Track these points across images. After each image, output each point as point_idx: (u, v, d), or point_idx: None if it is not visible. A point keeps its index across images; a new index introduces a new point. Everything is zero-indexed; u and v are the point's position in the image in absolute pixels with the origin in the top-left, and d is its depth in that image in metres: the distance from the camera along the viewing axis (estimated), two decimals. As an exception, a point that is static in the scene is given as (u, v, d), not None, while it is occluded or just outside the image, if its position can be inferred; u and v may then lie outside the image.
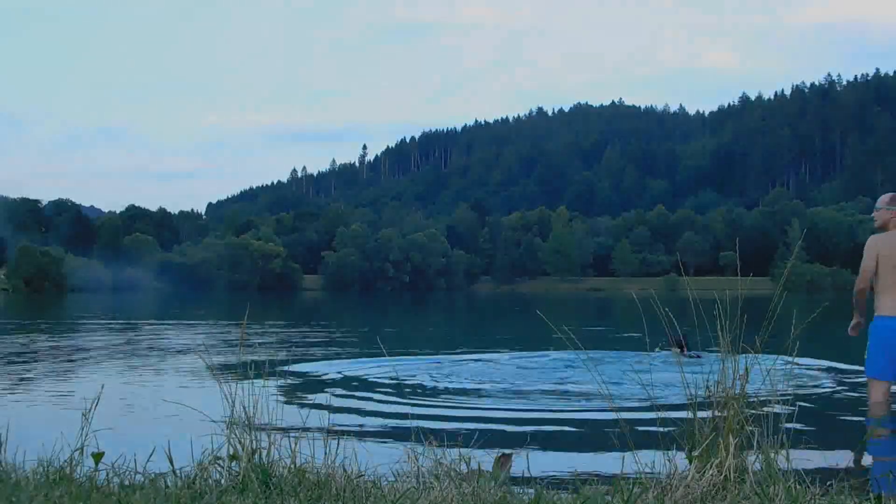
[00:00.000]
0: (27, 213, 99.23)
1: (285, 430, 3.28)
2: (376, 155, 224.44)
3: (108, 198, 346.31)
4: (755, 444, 3.09)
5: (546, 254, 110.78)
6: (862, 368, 6.68)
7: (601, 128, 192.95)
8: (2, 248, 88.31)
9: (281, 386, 7.46)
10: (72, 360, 10.59)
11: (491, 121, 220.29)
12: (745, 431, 3.12)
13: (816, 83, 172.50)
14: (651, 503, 2.81)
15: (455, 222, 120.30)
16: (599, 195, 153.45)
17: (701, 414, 3.22)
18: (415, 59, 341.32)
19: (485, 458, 3.31)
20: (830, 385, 8.11)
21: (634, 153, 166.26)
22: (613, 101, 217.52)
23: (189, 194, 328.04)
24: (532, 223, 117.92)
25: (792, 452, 3.12)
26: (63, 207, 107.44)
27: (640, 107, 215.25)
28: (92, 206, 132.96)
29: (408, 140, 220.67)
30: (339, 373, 9.17)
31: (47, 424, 5.60)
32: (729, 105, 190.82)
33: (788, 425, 3.20)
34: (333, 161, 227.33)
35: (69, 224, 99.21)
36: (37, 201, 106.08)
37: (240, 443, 3.14)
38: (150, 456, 3.22)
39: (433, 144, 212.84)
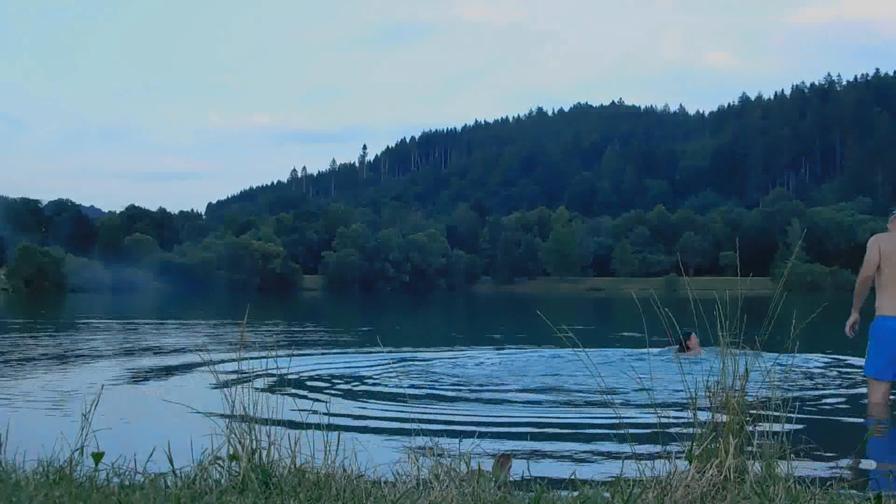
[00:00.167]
0: (27, 213, 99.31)
1: (285, 430, 3.28)
2: (376, 155, 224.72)
3: (108, 198, 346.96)
4: (755, 444, 3.09)
5: (546, 254, 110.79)
6: (861, 367, 6.69)
7: (601, 128, 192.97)
8: (2, 248, 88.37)
9: (281, 385, 7.46)
10: (72, 361, 10.59)
11: (491, 121, 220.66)
12: (745, 431, 3.12)
13: (816, 83, 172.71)
14: (651, 503, 2.81)
15: (455, 222, 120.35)
16: (599, 195, 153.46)
17: (701, 414, 3.22)
18: (415, 59, 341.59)
19: (485, 459, 3.32)
20: (830, 384, 8.11)
21: (634, 153, 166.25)
22: (613, 101, 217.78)
23: (189, 194, 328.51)
24: (532, 223, 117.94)
25: (792, 452, 3.12)
26: (63, 207, 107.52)
27: (640, 107, 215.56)
28: (92, 206, 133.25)
29: (408, 140, 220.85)
30: (339, 372, 9.17)
31: (47, 424, 5.60)
32: (729, 105, 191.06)
33: (788, 425, 3.20)
34: (333, 161, 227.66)
35: (69, 224, 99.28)
36: (37, 201, 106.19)
37: (240, 443, 3.14)
38: (150, 456, 3.22)
39: (433, 144, 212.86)
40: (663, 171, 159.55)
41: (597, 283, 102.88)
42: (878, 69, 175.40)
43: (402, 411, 6.24)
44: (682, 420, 3.31)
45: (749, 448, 3.08)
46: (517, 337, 16.68)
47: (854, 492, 2.99)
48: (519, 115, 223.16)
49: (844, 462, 4.81)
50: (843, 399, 7.17)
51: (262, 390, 3.97)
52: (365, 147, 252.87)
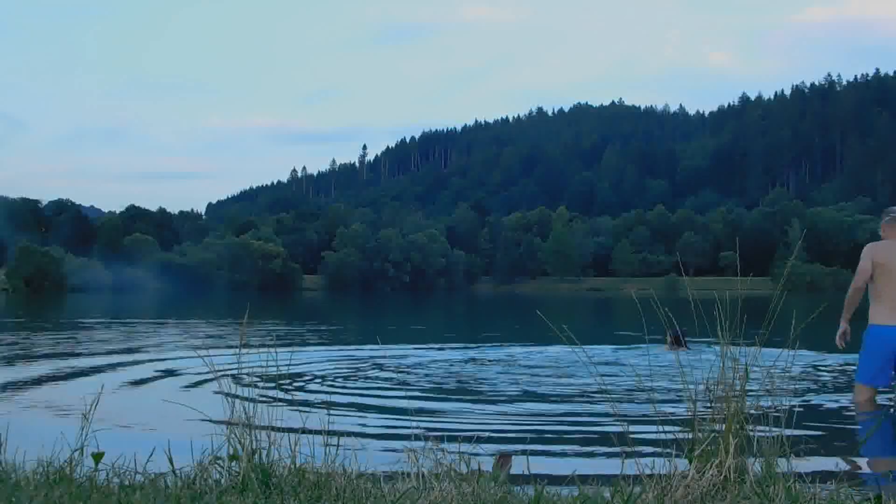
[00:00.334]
0: (27, 213, 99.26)
1: (285, 430, 3.28)
2: (376, 155, 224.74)
3: (108, 198, 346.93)
4: (755, 444, 3.09)
5: (546, 254, 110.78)
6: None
7: (601, 128, 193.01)
8: (2, 248, 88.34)
9: (280, 385, 7.46)
10: (71, 361, 10.59)
11: (491, 121, 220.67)
12: (745, 431, 3.12)
13: (816, 83, 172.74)
14: (651, 503, 2.81)
15: (455, 222, 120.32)
16: (599, 195, 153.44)
17: (701, 414, 3.22)
18: (415, 59, 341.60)
19: (485, 458, 3.32)
20: (830, 384, 8.11)
21: (634, 153, 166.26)
22: (613, 101, 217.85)
23: (189, 194, 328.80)
24: (532, 223, 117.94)
25: (792, 452, 3.11)
26: (63, 207, 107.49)
27: (640, 107, 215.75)
28: (92, 206, 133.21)
29: (408, 140, 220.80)
30: (339, 371, 9.17)
31: (47, 424, 5.60)
32: (729, 105, 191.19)
33: (788, 427, 3.19)
34: (333, 161, 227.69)
35: (69, 224, 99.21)
36: (37, 201, 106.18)
37: (240, 443, 3.14)
38: (150, 456, 3.22)
39: (433, 144, 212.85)
40: (663, 171, 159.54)
41: (597, 284, 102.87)
42: (878, 69, 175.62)
43: (402, 411, 6.24)
44: (682, 420, 3.31)
45: (749, 448, 3.08)
46: (516, 336, 16.68)
47: (854, 491, 2.99)
48: (519, 115, 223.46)
49: (845, 462, 4.81)
50: (843, 399, 7.17)
51: (263, 390, 3.97)
52: (365, 147, 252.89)
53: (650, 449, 3.32)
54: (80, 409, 3.28)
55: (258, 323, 20.88)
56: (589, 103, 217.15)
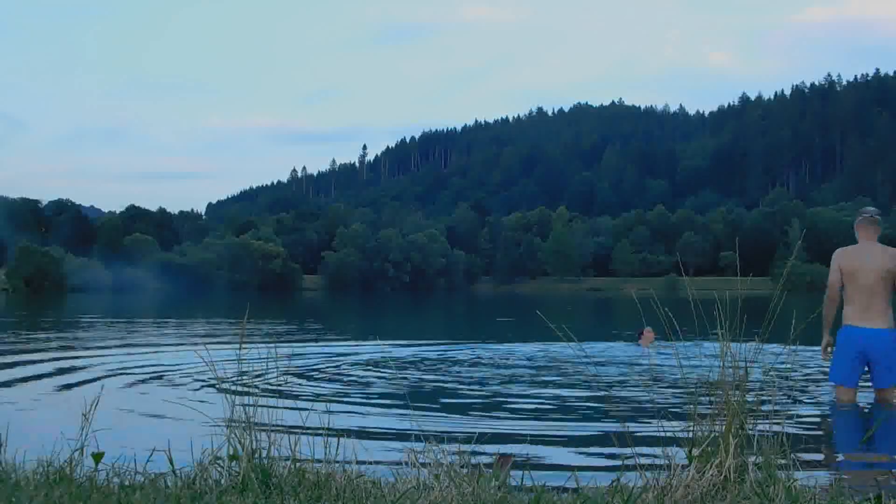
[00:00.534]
0: (27, 213, 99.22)
1: (285, 431, 3.28)
2: (376, 155, 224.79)
3: (108, 198, 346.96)
4: (755, 443, 3.09)
5: (546, 254, 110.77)
6: None
7: (601, 128, 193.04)
8: (2, 248, 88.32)
9: (280, 385, 7.46)
10: (71, 360, 10.59)
11: (491, 121, 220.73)
12: (745, 431, 3.12)
13: (816, 83, 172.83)
14: (651, 503, 2.81)
15: (455, 222, 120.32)
16: (599, 195, 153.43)
17: (701, 414, 3.22)
18: (415, 59, 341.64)
19: (485, 459, 3.32)
20: (830, 384, 8.10)
21: (634, 153, 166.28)
22: (613, 101, 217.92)
23: (189, 194, 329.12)
24: (532, 223, 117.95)
25: (792, 452, 3.11)
26: (63, 207, 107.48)
27: (640, 107, 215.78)
28: (92, 206, 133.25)
29: (408, 140, 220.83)
30: (339, 370, 9.17)
31: (47, 424, 5.59)
32: (729, 105, 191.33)
33: (789, 425, 3.19)
34: (333, 161, 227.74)
35: (69, 224, 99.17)
36: (37, 201, 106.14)
37: (240, 443, 3.14)
38: (150, 456, 3.22)
39: (433, 144, 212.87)
40: (663, 171, 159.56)
41: (597, 284, 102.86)
42: (878, 69, 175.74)
43: (402, 411, 6.24)
44: (682, 420, 3.30)
45: (749, 448, 3.08)
46: (516, 336, 16.67)
47: (854, 491, 2.99)
48: (519, 115, 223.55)
49: (845, 461, 4.81)
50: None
51: (263, 389, 3.97)
52: (365, 147, 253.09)
53: (650, 449, 3.32)
54: (80, 409, 3.28)
55: (258, 322, 20.88)
56: (589, 103, 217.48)
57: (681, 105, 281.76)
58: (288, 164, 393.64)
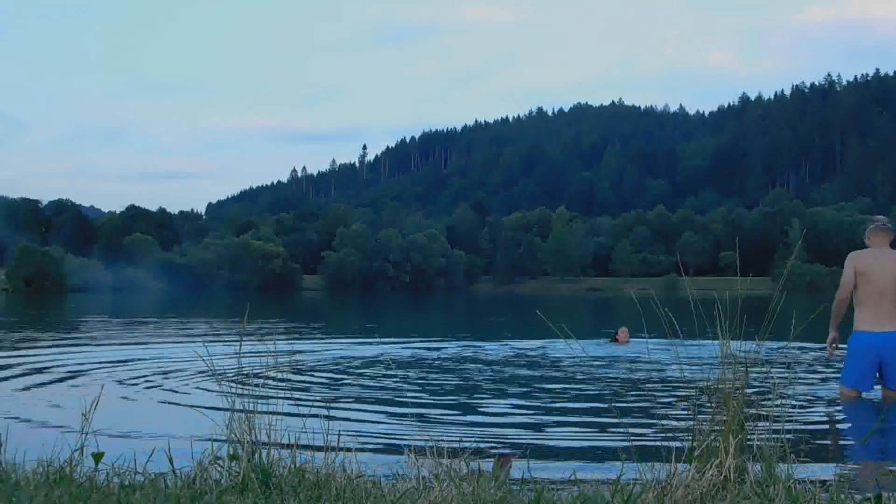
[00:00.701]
0: (27, 213, 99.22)
1: (285, 430, 3.28)
2: (376, 155, 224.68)
3: (108, 198, 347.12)
4: (755, 444, 3.09)
5: (546, 254, 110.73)
6: None
7: (601, 128, 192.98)
8: (2, 248, 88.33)
9: (280, 384, 7.46)
10: (71, 360, 10.59)
11: (491, 121, 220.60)
12: (745, 431, 3.12)
13: (816, 83, 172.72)
14: (651, 503, 2.81)
15: (455, 222, 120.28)
16: (599, 195, 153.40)
17: (701, 414, 3.22)
18: (415, 59, 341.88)
19: (485, 459, 3.31)
20: (830, 384, 8.10)
21: (634, 153, 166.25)
22: (613, 101, 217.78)
23: (189, 194, 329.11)
24: (532, 223, 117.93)
25: (792, 452, 3.11)
26: (63, 207, 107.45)
27: (640, 107, 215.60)
28: (92, 206, 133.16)
29: (408, 140, 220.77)
30: (338, 370, 9.18)
31: (47, 424, 5.60)
32: (729, 105, 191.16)
33: (789, 424, 3.19)
34: (333, 161, 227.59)
35: (69, 224, 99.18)
36: (37, 201, 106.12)
37: (240, 443, 3.14)
38: (150, 456, 3.22)
39: (433, 144, 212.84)
40: (663, 171, 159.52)
41: (597, 284, 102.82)
42: (878, 69, 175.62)
43: (402, 410, 6.24)
44: (682, 420, 3.30)
45: (749, 448, 3.08)
46: (518, 335, 16.68)
47: (854, 491, 2.99)
48: (519, 115, 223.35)
49: (845, 461, 4.81)
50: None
51: (263, 389, 3.97)
52: (365, 147, 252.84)
53: (650, 449, 3.32)
54: (80, 409, 3.28)
55: (258, 322, 20.89)
56: (589, 103, 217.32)
57: (681, 105, 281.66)
58: (288, 164, 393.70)
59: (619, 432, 4.99)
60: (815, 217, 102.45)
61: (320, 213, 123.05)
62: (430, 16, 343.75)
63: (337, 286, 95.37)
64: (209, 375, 7.28)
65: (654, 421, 5.53)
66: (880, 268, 6.62)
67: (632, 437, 3.19)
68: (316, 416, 3.68)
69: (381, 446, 4.93)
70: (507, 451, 4.08)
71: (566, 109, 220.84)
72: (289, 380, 8.20)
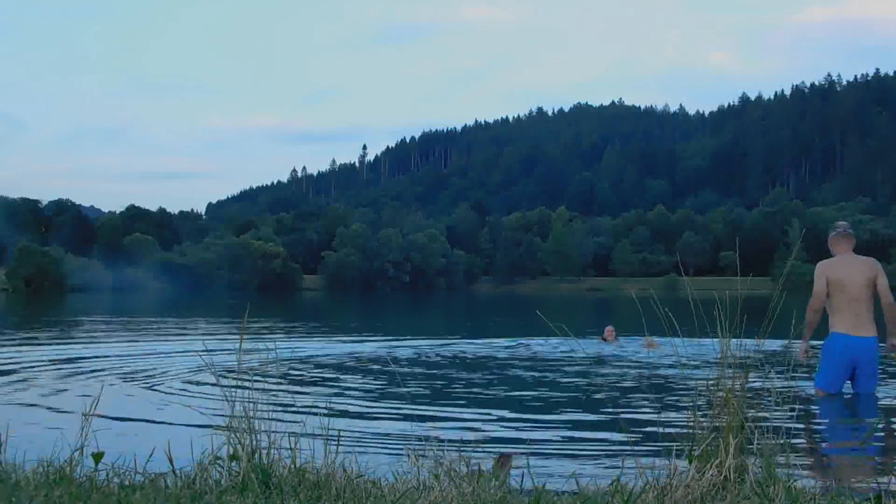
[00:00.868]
0: (27, 213, 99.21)
1: (285, 431, 3.28)
2: (376, 155, 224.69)
3: (108, 198, 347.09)
4: (755, 444, 3.09)
5: (546, 254, 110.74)
6: None
7: (601, 128, 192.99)
8: (2, 248, 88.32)
9: (280, 385, 7.46)
10: (71, 360, 10.59)
11: (491, 121, 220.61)
12: (745, 431, 3.12)
13: (816, 83, 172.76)
14: (651, 503, 2.81)
15: (455, 222, 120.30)
16: (599, 195, 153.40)
17: (701, 413, 3.22)
18: (415, 59, 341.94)
19: (485, 459, 3.31)
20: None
21: (634, 153, 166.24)
22: (613, 101, 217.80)
23: (189, 194, 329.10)
24: (532, 223, 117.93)
25: (792, 452, 3.11)
26: (63, 207, 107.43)
27: (640, 107, 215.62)
28: (92, 206, 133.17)
29: (408, 140, 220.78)
30: (338, 369, 9.17)
31: (47, 424, 5.59)
32: (729, 105, 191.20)
33: (789, 425, 3.19)
34: (333, 161, 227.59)
35: (69, 224, 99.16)
36: (37, 201, 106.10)
37: (240, 443, 3.14)
38: (150, 456, 3.22)
39: (433, 144, 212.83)
40: (663, 171, 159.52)
41: (597, 284, 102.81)
42: (878, 69, 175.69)
43: (402, 411, 6.24)
44: (682, 420, 3.30)
45: (749, 448, 3.08)
46: (513, 334, 16.68)
47: (854, 491, 2.99)
48: (519, 115, 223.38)
49: (845, 462, 4.80)
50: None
51: (263, 389, 3.97)
52: (365, 147, 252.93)
53: (650, 448, 3.32)
54: (80, 409, 3.28)
55: (258, 322, 20.89)
56: (589, 103, 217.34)
57: (681, 105, 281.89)
58: (288, 164, 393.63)
59: (619, 432, 4.99)
60: (815, 217, 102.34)
61: (320, 213, 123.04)
62: (430, 16, 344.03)
63: (337, 286, 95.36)
64: (209, 375, 7.28)
65: (654, 420, 5.53)
66: (851, 275, 6.75)
67: (632, 437, 3.20)
68: (316, 415, 3.68)
69: (381, 446, 4.93)
70: (507, 451, 4.08)
71: (566, 109, 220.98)
72: (289, 380, 8.20)
